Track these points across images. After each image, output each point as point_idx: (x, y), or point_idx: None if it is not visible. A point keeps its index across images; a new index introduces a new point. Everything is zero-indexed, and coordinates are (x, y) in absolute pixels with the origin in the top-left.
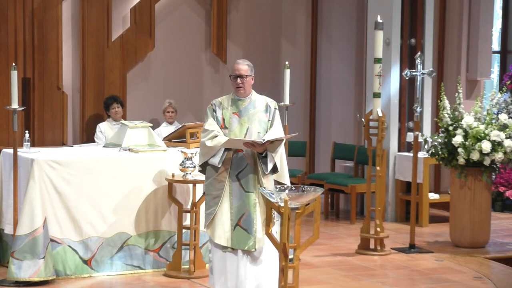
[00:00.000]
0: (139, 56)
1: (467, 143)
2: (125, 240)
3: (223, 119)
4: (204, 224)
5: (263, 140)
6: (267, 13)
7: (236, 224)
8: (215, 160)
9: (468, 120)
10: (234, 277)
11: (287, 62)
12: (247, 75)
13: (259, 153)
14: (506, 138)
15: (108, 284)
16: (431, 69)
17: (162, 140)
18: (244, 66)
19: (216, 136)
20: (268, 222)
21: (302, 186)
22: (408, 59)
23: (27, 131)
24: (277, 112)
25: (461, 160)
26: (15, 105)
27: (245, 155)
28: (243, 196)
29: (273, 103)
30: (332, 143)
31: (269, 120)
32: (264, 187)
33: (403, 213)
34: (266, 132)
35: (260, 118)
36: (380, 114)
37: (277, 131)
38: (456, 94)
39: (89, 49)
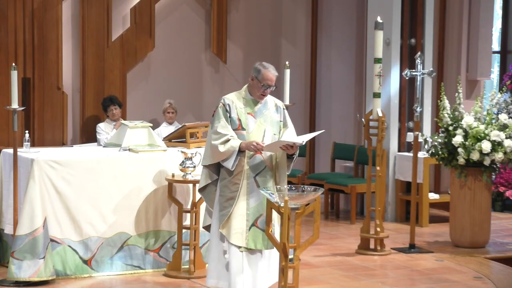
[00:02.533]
0: (139, 56)
1: (467, 143)
2: (125, 240)
3: (239, 119)
4: (218, 225)
5: (303, 142)
6: (267, 13)
7: (252, 224)
8: (229, 164)
9: (468, 120)
10: (250, 276)
11: (287, 62)
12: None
13: (289, 154)
14: (506, 138)
15: (108, 284)
16: (431, 69)
17: (162, 140)
18: (275, 77)
19: (229, 140)
20: (268, 222)
21: (302, 186)
22: (408, 59)
23: (27, 131)
24: (287, 112)
25: (461, 160)
26: (15, 105)
27: (263, 157)
28: (260, 197)
29: (280, 103)
30: (332, 143)
31: (280, 121)
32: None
33: (403, 213)
34: (279, 132)
35: (273, 119)
36: (380, 114)
37: (293, 131)
38: (456, 94)
39: (89, 49)
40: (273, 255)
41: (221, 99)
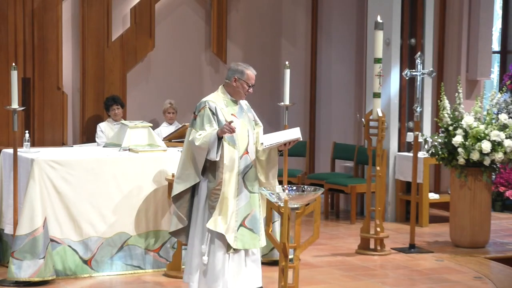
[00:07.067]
0: (139, 56)
1: (467, 143)
2: (125, 240)
3: (226, 121)
4: (201, 225)
5: (300, 138)
6: (267, 13)
7: (240, 224)
8: (213, 154)
9: (468, 120)
10: (232, 277)
11: (287, 62)
12: None
13: (279, 150)
14: (506, 138)
15: (108, 284)
16: (431, 69)
17: (162, 140)
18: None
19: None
20: (268, 222)
21: (302, 186)
22: (408, 59)
23: (27, 131)
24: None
25: (461, 160)
26: (15, 105)
27: (250, 157)
28: (247, 197)
29: (246, 102)
30: (332, 143)
31: (253, 120)
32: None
33: (403, 213)
34: (254, 129)
35: (249, 119)
36: (380, 114)
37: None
38: (456, 94)
39: (89, 49)
40: (257, 254)
41: (204, 103)
